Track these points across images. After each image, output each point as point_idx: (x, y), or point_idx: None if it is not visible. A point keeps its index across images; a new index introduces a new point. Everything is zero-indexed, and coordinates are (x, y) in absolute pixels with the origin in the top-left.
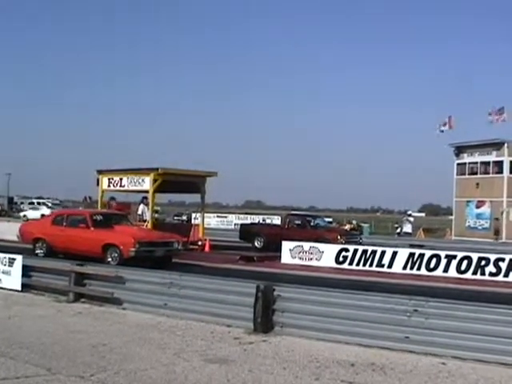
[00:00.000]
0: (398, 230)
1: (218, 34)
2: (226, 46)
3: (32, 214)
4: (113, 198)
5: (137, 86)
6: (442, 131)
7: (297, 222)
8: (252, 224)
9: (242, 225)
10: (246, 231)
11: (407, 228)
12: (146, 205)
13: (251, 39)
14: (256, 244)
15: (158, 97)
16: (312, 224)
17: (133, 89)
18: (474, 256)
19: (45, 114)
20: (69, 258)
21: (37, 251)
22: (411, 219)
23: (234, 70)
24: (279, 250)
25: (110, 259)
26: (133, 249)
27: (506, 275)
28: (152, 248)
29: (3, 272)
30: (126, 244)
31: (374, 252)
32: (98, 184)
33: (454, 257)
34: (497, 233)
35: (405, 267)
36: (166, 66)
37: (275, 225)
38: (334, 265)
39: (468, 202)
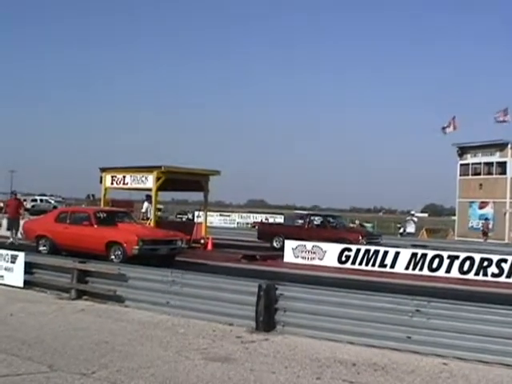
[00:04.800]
0: (401, 231)
1: (218, 30)
2: (227, 43)
3: None
4: (12, 193)
5: (136, 84)
6: (446, 133)
7: (317, 221)
8: (271, 224)
9: (260, 224)
10: (265, 231)
11: (411, 228)
12: (151, 203)
13: (252, 37)
14: (275, 244)
15: (158, 95)
16: (332, 224)
17: (132, 86)
18: (477, 257)
19: (47, 112)
20: (72, 255)
21: (40, 248)
22: (415, 219)
23: (235, 67)
24: None
25: (113, 257)
26: (136, 247)
27: (509, 276)
28: (156, 246)
29: (6, 269)
30: (130, 242)
31: (376, 252)
32: (101, 182)
33: (457, 257)
34: (485, 234)
35: (407, 267)
36: (165, 63)
37: (295, 225)
38: (337, 264)
39: (471, 202)
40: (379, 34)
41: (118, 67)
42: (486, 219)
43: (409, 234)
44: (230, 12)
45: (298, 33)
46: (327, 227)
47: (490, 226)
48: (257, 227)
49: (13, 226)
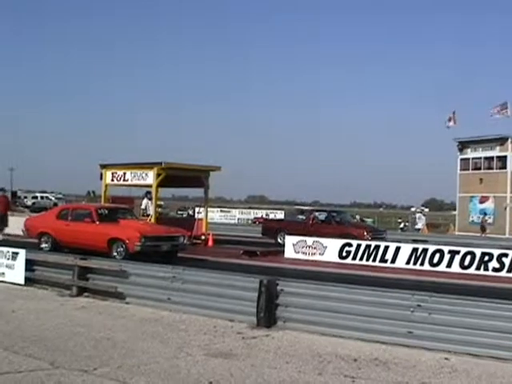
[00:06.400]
0: (402, 226)
1: (217, 30)
2: (226, 42)
3: None
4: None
5: (136, 83)
6: (449, 127)
7: (322, 217)
8: (276, 220)
9: (265, 220)
10: (270, 227)
11: (420, 224)
12: (150, 199)
13: (252, 35)
14: (279, 240)
15: (158, 93)
16: (337, 219)
17: (132, 85)
18: (478, 251)
19: (47, 110)
20: (74, 252)
21: (42, 245)
22: (425, 214)
23: (236, 65)
24: None
25: (115, 254)
26: (138, 243)
27: (510, 271)
28: (157, 242)
29: (7, 266)
30: (132, 238)
31: (377, 247)
32: (101, 178)
33: (458, 252)
34: (483, 229)
35: (408, 262)
36: (164, 61)
37: (299, 221)
38: (338, 259)
39: (471, 197)
40: (380, 33)
41: (117, 67)
42: (485, 214)
43: (417, 230)
44: (230, 12)
45: (299, 31)
46: (332, 223)
47: (490, 221)
48: (261, 223)
49: (2, 221)
